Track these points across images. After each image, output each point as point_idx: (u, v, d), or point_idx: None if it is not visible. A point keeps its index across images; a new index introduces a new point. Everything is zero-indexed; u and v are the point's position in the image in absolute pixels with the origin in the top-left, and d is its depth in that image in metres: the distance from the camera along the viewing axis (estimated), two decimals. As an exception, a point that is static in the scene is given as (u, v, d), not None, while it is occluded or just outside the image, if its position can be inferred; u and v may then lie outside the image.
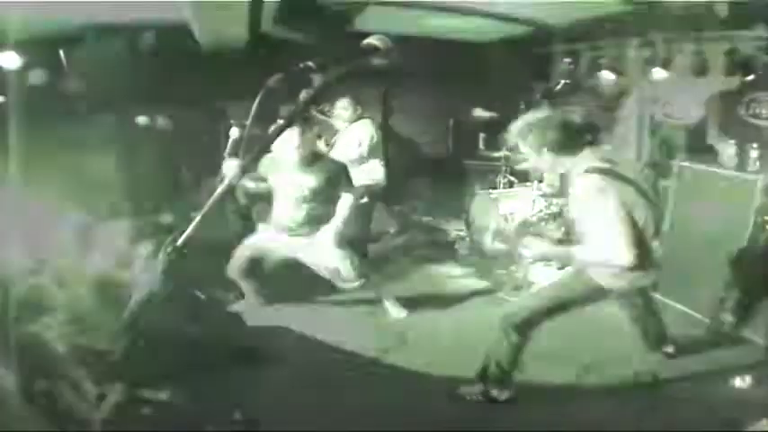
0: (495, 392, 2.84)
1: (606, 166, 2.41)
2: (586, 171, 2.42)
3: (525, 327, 2.66)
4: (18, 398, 2.26)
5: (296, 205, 3.65)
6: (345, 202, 3.69)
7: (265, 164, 3.64)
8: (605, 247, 2.32)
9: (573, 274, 2.69)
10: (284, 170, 3.65)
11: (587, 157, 2.47)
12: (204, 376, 3.05)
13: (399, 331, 3.79)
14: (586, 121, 2.60)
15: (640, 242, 2.35)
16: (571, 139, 2.47)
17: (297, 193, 3.63)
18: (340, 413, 2.88)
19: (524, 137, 2.49)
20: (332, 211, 3.69)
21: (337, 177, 3.68)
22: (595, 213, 2.34)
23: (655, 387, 3.00)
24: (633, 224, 2.35)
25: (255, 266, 3.83)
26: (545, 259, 2.77)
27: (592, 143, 2.53)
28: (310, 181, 3.61)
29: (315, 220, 3.67)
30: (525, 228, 4.52)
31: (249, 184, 4.19)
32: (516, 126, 2.54)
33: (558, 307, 2.66)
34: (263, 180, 3.86)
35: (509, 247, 4.64)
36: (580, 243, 2.53)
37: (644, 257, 2.40)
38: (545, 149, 2.46)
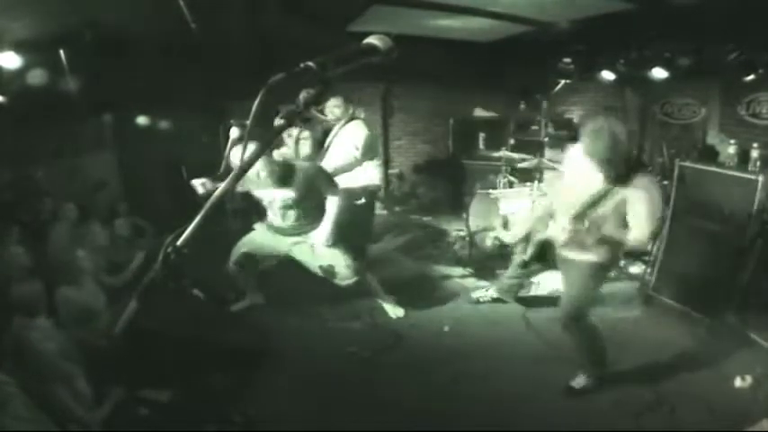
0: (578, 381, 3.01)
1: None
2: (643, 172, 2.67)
3: (581, 315, 2.89)
4: (21, 398, 2.26)
5: (284, 213, 3.65)
6: (332, 204, 3.68)
7: (247, 181, 3.54)
8: (645, 233, 2.60)
9: (593, 262, 2.79)
10: (263, 186, 3.59)
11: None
12: (204, 376, 3.04)
13: (398, 331, 3.79)
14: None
15: None
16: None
17: (283, 204, 3.62)
18: (340, 413, 2.88)
19: (610, 152, 2.51)
20: (323, 210, 3.67)
21: (318, 181, 3.64)
22: (650, 204, 2.57)
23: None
24: None
25: (250, 263, 3.84)
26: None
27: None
28: (290, 193, 3.58)
29: (307, 222, 3.68)
30: None
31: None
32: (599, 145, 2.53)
33: (594, 291, 2.95)
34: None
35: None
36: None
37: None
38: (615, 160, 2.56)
